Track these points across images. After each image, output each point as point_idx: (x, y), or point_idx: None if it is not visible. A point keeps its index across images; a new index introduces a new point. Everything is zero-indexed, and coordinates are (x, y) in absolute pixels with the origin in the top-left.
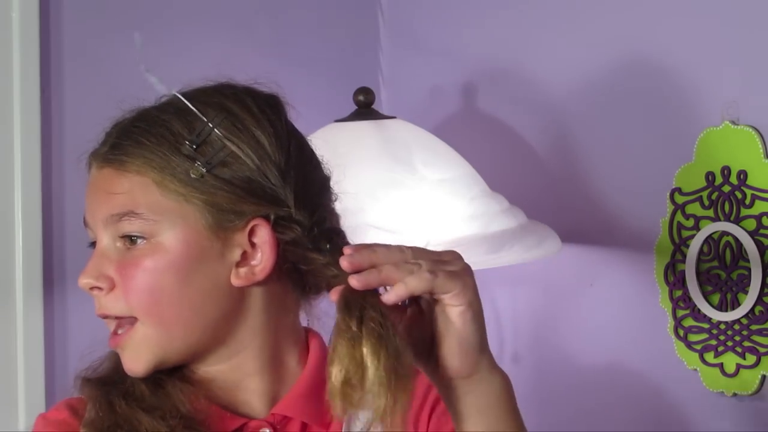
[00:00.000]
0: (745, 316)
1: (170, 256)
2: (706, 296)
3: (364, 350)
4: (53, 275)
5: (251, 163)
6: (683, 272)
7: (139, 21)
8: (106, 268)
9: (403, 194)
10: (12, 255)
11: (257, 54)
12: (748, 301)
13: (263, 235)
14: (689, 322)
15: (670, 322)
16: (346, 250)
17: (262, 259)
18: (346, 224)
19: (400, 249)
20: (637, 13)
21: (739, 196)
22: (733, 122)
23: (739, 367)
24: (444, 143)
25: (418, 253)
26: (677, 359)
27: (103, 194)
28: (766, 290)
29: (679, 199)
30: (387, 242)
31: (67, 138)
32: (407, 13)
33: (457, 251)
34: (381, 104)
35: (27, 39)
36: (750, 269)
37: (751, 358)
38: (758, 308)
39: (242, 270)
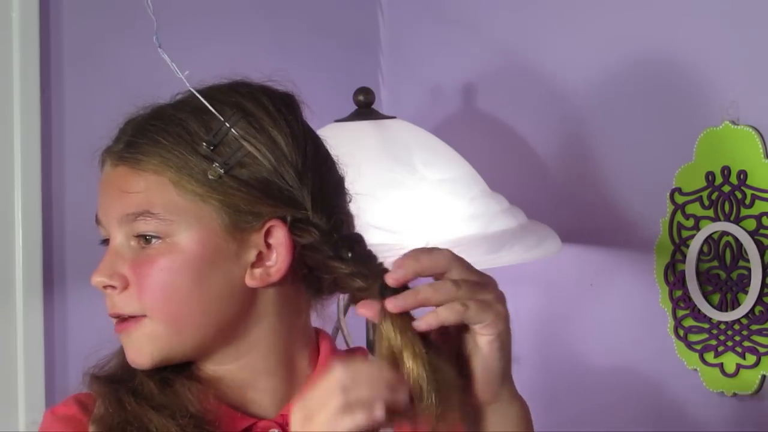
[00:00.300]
0: (745, 316)
1: (185, 255)
2: (706, 296)
3: (408, 363)
4: (53, 275)
5: (268, 164)
6: (683, 272)
7: (138, 21)
8: (120, 267)
9: (403, 194)
10: (12, 255)
11: (257, 54)
12: (748, 301)
13: (279, 236)
14: (689, 322)
15: (670, 322)
16: (395, 264)
17: (278, 261)
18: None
19: (444, 256)
20: (637, 13)
21: (739, 196)
22: (733, 122)
23: (739, 367)
24: (444, 143)
25: (460, 268)
26: (677, 359)
27: (117, 192)
28: (766, 290)
29: (679, 199)
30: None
31: (67, 138)
32: (407, 13)
33: (493, 277)
34: (381, 104)
35: (27, 39)
36: (750, 269)
37: (751, 358)
38: (758, 308)
39: (257, 271)
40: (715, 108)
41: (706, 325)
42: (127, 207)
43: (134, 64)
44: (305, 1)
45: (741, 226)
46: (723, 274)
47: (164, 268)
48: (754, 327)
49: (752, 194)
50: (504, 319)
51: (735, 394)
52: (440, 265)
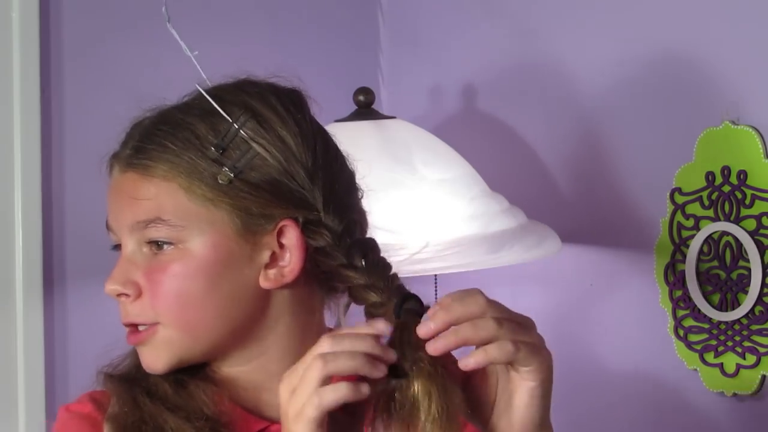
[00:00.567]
0: (745, 316)
1: (198, 261)
2: (706, 296)
3: (416, 388)
4: (53, 275)
5: (278, 165)
6: (683, 272)
7: (138, 21)
8: (133, 274)
9: (403, 194)
10: (12, 255)
11: (257, 54)
12: (748, 301)
13: (292, 236)
14: (689, 322)
15: (670, 322)
16: (430, 313)
17: (291, 261)
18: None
19: (477, 303)
20: (637, 14)
21: (739, 196)
22: (733, 122)
23: (739, 367)
24: (444, 143)
25: (495, 309)
26: (677, 359)
27: (127, 199)
28: (766, 290)
29: (679, 199)
30: (464, 292)
31: (67, 138)
32: (407, 13)
33: (531, 318)
34: (381, 104)
35: (27, 39)
36: (750, 269)
37: (751, 358)
38: (758, 308)
39: (271, 272)
40: (715, 108)
41: (706, 325)
42: (137, 214)
43: (134, 63)
44: (305, 1)
45: (741, 226)
46: (723, 274)
47: (177, 274)
48: (754, 327)
49: (752, 194)
50: (550, 365)
51: (735, 394)
52: (474, 312)
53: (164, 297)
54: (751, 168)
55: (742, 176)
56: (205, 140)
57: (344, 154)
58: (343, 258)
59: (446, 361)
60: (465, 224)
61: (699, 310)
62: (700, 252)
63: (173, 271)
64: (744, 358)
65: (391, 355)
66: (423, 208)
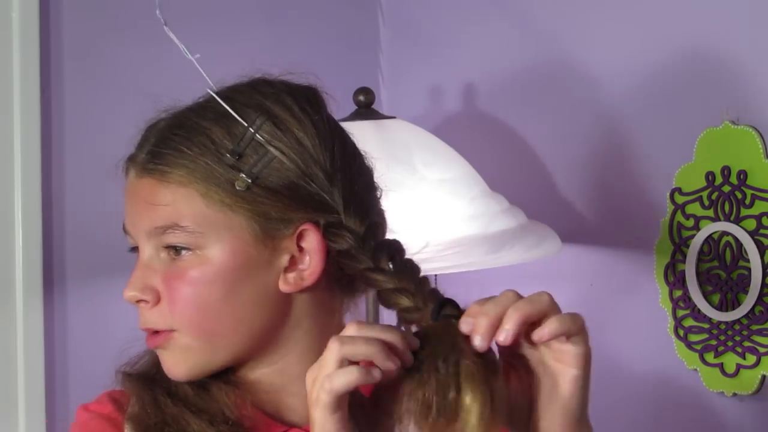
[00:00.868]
0: (745, 316)
1: (217, 267)
2: (706, 296)
3: (464, 389)
4: (53, 275)
5: (296, 168)
6: (683, 272)
7: (138, 21)
8: (151, 280)
9: (403, 194)
10: (12, 255)
11: (257, 54)
12: (748, 301)
13: (311, 240)
14: (689, 322)
15: (670, 322)
16: (470, 314)
17: (311, 264)
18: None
19: (511, 297)
20: (637, 14)
21: (739, 196)
22: (733, 122)
23: (739, 367)
24: (444, 143)
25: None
26: (677, 359)
27: (144, 205)
28: (766, 290)
29: (679, 199)
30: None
31: (67, 138)
32: (407, 13)
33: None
34: (381, 104)
35: (27, 39)
36: (750, 269)
37: (751, 358)
38: (758, 308)
39: (291, 275)
40: (715, 108)
41: (706, 325)
42: (155, 220)
43: (134, 63)
44: (305, 1)
45: (741, 226)
46: (723, 274)
47: (196, 281)
48: (754, 327)
49: (752, 194)
50: (590, 359)
51: (735, 394)
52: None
53: (182, 304)
54: (751, 168)
55: (742, 176)
56: (221, 145)
57: (362, 152)
58: (370, 261)
59: (487, 364)
60: (465, 224)
61: (699, 310)
62: (700, 252)
63: (191, 277)
64: (744, 358)
65: (408, 356)
66: (423, 208)
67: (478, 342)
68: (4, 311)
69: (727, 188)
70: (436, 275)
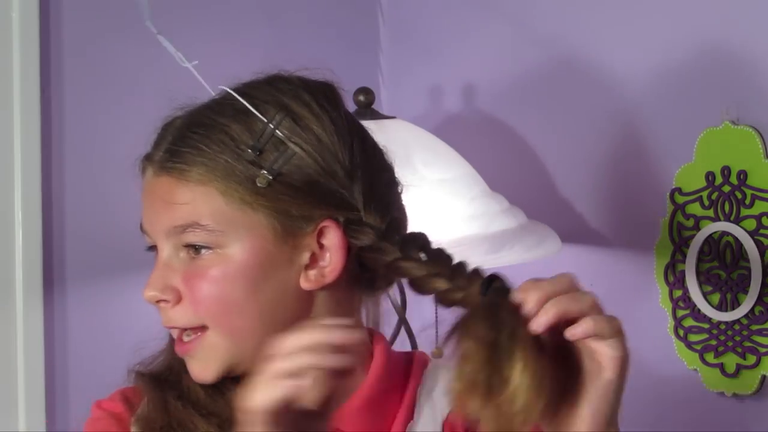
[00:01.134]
0: (745, 316)
1: (238, 266)
2: (706, 296)
3: (516, 364)
4: (53, 275)
5: (316, 165)
6: (683, 272)
7: (137, 21)
8: (171, 279)
9: (403, 194)
10: (12, 255)
11: (257, 54)
12: (748, 301)
13: (332, 237)
14: (689, 322)
15: (670, 322)
16: (522, 288)
17: (331, 260)
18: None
19: (568, 279)
20: (637, 14)
21: (739, 196)
22: (733, 122)
23: (739, 367)
24: (444, 143)
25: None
26: (677, 359)
27: (162, 204)
28: (766, 290)
29: (679, 199)
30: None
31: (67, 138)
32: (407, 13)
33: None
34: (381, 104)
35: (27, 39)
36: (750, 269)
37: (751, 358)
38: (758, 308)
39: (311, 272)
40: (715, 108)
41: (706, 325)
42: (174, 219)
43: (134, 63)
44: (305, 1)
45: (741, 226)
46: (723, 274)
47: (217, 279)
48: (754, 327)
49: (752, 194)
50: (627, 363)
51: (735, 394)
52: (565, 287)
53: (204, 303)
54: (751, 168)
55: (742, 176)
56: (241, 142)
57: (382, 148)
58: (398, 252)
59: (537, 343)
60: (465, 224)
61: (699, 310)
62: (700, 252)
63: (212, 276)
64: (744, 358)
65: (351, 345)
66: (423, 208)
67: (534, 326)
68: (4, 311)
69: (727, 188)
70: None
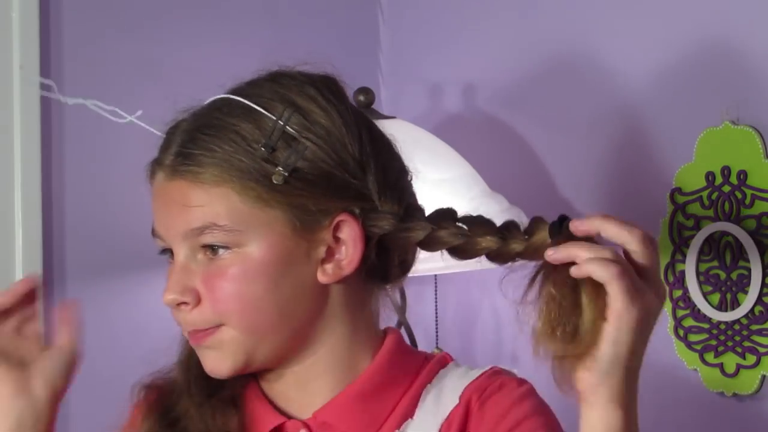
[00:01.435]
0: (745, 316)
1: (257, 263)
2: (706, 296)
3: (584, 297)
4: (53, 275)
5: (329, 159)
6: (683, 272)
7: (137, 21)
8: (191, 281)
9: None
10: (12, 255)
11: (257, 54)
12: (748, 301)
13: (348, 229)
14: (689, 322)
15: (670, 322)
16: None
17: (348, 253)
18: None
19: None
20: (636, 15)
21: (739, 196)
22: (733, 122)
23: (739, 367)
24: (444, 143)
25: (644, 255)
26: (677, 359)
27: (177, 207)
28: (766, 290)
29: (679, 199)
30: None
31: (67, 138)
32: (407, 13)
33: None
34: (381, 104)
35: (27, 39)
36: (750, 269)
37: (751, 358)
38: (758, 308)
39: (328, 266)
40: (715, 108)
41: (706, 325)
42: (190, 222)
43: (134, 63)
44: (305, 1)
45: (741, 226)
46: (723, 274)
47: (237, 278)
48: (754, 327)
49: (752, 194)
50: (626, 318)
51: (735, 394)
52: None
53: (226, 301)
54: (751, 168)
55: (742, 176)
56: (252, 140)
57: (389, 138)
58: (429, 227)
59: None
60: None
61: (699, 310)
62: (700, 252)
63: (232, 275)
64: (744, 358)
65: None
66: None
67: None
68: None
69: (727, 188)
70: (436, 275)
